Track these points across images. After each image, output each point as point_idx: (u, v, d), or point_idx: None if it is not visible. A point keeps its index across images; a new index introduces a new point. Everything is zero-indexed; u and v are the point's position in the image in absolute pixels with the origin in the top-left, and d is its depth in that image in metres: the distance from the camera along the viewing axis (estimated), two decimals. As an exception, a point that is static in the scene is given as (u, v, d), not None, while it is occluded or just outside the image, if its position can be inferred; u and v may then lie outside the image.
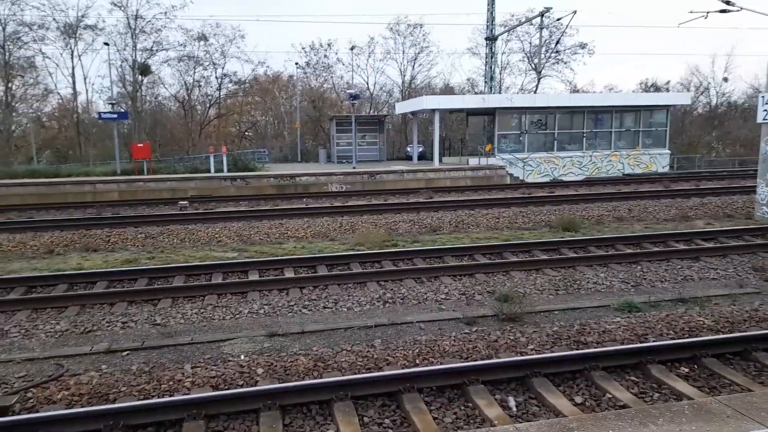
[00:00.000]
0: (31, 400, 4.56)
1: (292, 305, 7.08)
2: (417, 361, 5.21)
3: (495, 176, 24.33)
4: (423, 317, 6.63)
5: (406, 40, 42.52)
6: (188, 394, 4.52)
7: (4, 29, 35.39)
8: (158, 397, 4.51)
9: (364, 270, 8.66)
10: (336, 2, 65.28)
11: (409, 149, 32.80)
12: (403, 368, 4.96)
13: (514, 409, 4.38)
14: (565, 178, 25.12)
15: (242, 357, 5.41)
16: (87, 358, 5.56)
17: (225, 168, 23.96)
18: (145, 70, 38.32)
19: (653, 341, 5.43)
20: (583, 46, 41.49)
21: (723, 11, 15.80)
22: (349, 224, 13.13)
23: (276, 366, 5.12)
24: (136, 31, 37.07)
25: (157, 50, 38.53)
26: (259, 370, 5.03)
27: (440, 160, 27.14)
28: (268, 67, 44.70)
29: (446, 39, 72.77)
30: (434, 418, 4.22)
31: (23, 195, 19.67)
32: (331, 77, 44.86)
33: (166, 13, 37.35)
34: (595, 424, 3.23)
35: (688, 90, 43.87)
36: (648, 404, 4.26)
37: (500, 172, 24.71)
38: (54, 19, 36.32)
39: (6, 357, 5.61)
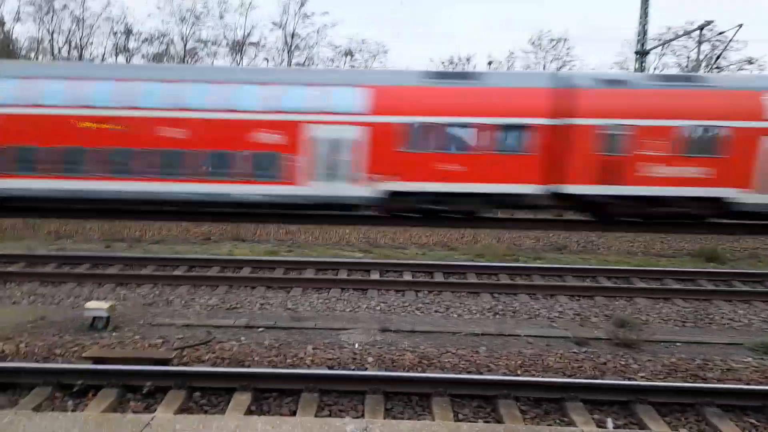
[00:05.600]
0: (185, 357, 5.52)
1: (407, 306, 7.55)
2: (518, 372, 5.35)
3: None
4: (532, 332, 6.69)
5: (547, 54, 41.44)
6: (308, 369, 5.17)
7: (185, 45, 41.15)
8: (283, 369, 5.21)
9: (480, 281, 8.86)
10: (478, 20, 65.42)
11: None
12: (503, 375, 5.14)
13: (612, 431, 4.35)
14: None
15: (356, 346, 5.97)
16: (230, 330, 6.52)
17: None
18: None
19: (787, 387, 4.95)
20: (751, 61, 37.01)
21: None
22: (471, 235, 13.35)
23: (385, 357, 5.60)
24: (292, 48, 40.79)
25: (310, 65, 42.01)
26: (369, 359, 5.54)
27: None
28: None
29: (591, 53, 69.05)
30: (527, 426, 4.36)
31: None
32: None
33: (318, 31, 40.65)
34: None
35: None
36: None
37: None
38: (225, 37, 41.41)
39: (170, 321, 6.78)
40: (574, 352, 5.94)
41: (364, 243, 12.66)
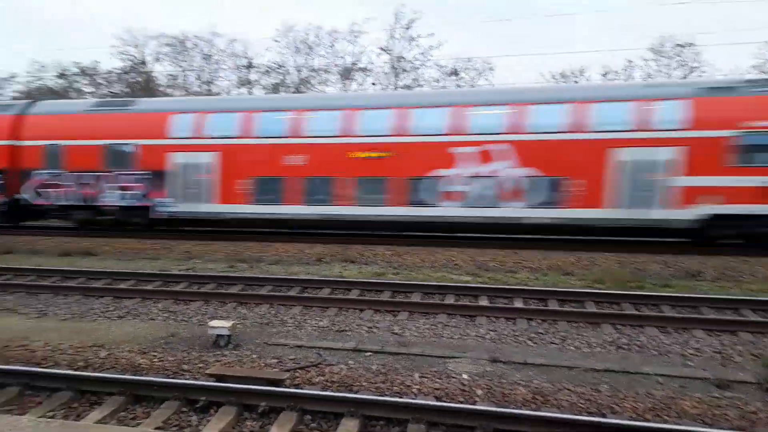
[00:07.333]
0: (297, 379, 5.67)
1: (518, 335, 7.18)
2: (647, 416, 4.81)
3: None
4: (662, 370, 6.02)
5: (671, 61, 38.23)
6: (415, 399, 5.06)
7: (299, 74, 43.77)
8: (390, 397, 5.15)
9: (600, 311, 8.21)
10: (594, 28, 62.36)
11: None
12: (630, 420, 4.65)
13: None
14: None
15: (464, 376, 5.75)
16: (339, 353, 6.61)
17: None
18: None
19: None
20: None
21: None
22: (588, 259, 12.51)
23: (495, 390, 5.32)
24: (399, 71, 41.68)
25: (414, 87, 42.63)
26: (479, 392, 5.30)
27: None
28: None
29: (724, 57, 62.52)
30: (661, 481, 3.88)
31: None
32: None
33: (423, 53, 41.14)
34: None
35: None
36: None
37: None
38: (335, 65, 43.39)
39: (283, 342, 7.04)
40: (715, 397, 5.24)
41: (471, 266, 12.36)
